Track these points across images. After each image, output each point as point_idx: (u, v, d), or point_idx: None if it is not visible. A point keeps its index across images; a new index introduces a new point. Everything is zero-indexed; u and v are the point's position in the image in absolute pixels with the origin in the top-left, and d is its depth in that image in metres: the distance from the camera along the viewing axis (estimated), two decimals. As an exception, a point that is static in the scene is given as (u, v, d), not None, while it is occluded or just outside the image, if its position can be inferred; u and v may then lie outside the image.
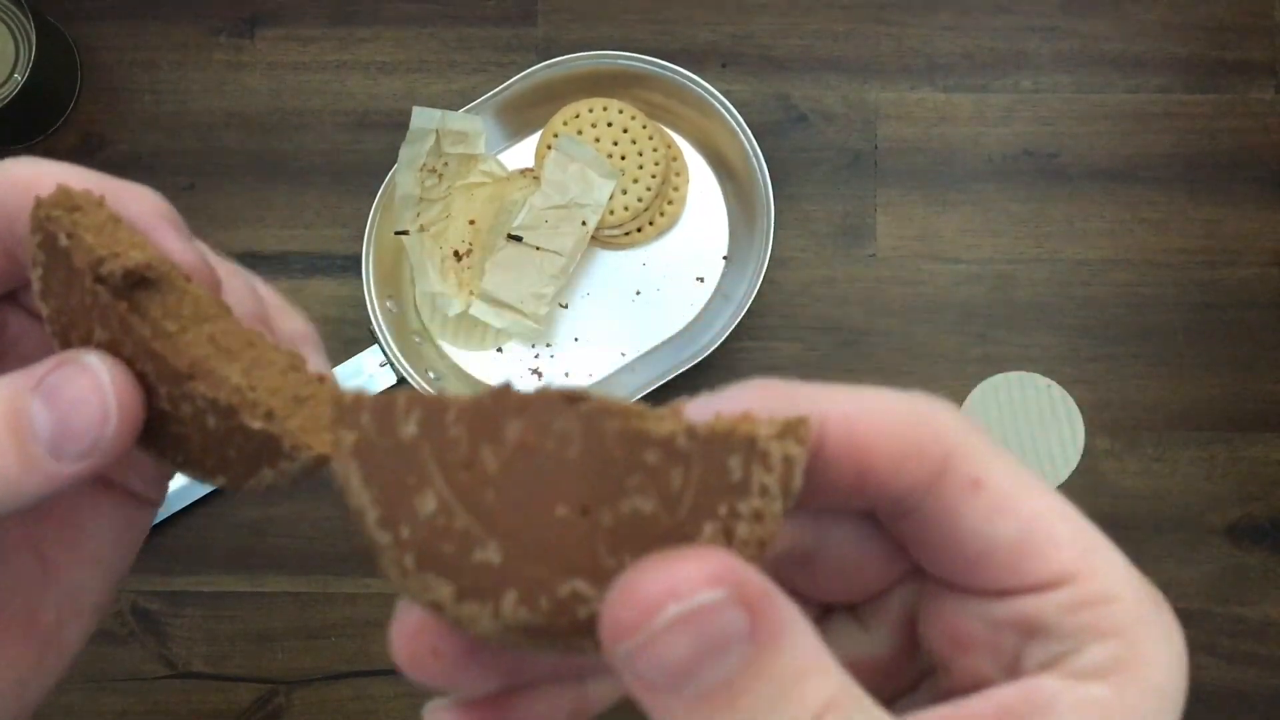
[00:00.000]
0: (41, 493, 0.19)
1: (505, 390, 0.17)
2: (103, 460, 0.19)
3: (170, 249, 0.21)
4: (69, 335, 0.20)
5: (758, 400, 0.18)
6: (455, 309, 0.59)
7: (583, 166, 0.58)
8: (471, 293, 0.60)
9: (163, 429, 0.20)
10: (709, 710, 0.15)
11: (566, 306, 0.60)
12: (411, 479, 0.17)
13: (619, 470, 0.16)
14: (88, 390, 0.19)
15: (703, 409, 0.18)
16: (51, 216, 0.19)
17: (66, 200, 0.20)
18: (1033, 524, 0.18)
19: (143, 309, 0.19)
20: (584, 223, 0.58)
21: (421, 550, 0.17)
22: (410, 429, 0.17)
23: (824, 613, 0.21)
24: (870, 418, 0.19)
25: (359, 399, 0.17)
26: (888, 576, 0.20)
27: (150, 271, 0.19)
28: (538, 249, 0.58)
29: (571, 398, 0.16)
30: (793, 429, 0.17)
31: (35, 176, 0.21)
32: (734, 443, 0.16)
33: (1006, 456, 0.19)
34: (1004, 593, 0.18)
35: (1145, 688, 0.17)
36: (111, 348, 0.19)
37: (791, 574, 0.20)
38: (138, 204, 0.21)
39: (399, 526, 0.17)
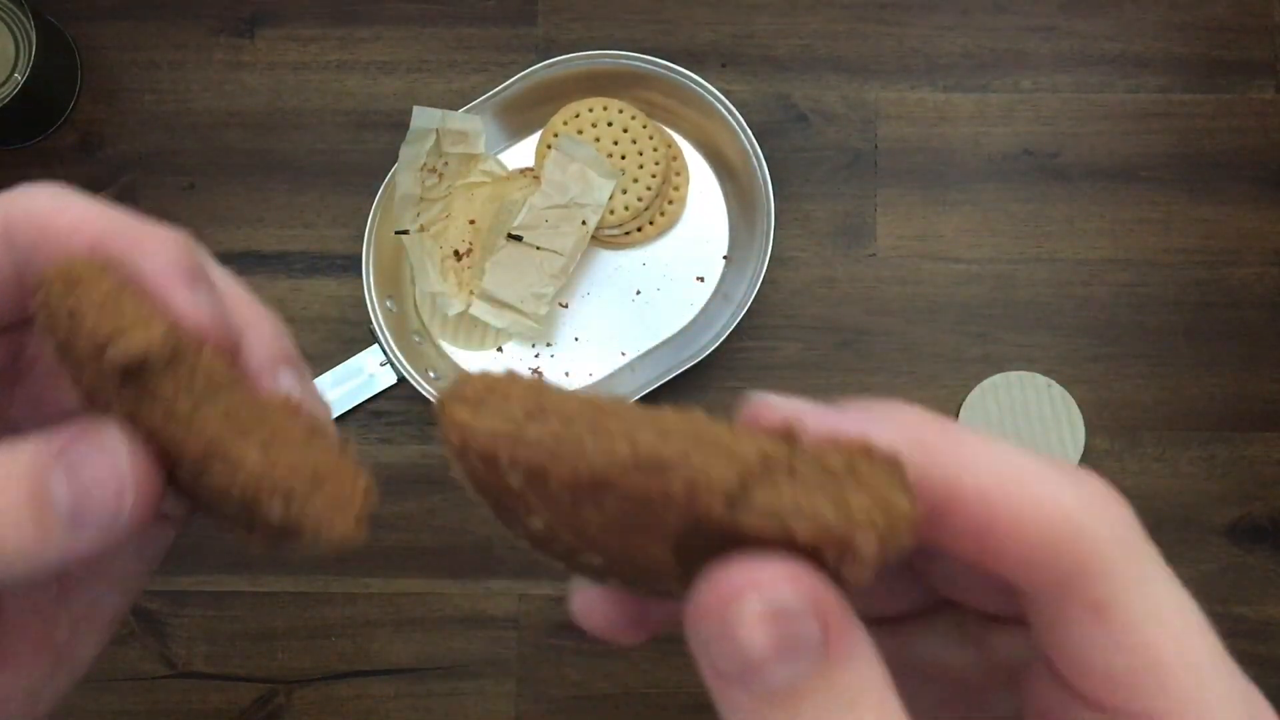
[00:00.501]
0: (56, 564, 0.19)
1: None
2: (119, 537, 0.19)
3: (183, 314, 0.20)
4: (91, 398, 0.20)
5: (886, 430, 0.17)
6: (455, 309, 0.59)
7: (583, 166, 0.58)
8: (471, 292, 0.60)
9: (190, 494, 0.20)
10: (772, 709, 0.16)
11: (566, 306, 0.60)
12: (521, 508, 0.18)
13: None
14: (106, 471, 0.19)
15: (821, 428, 0.17)
16: (52, 295, 0.19)
17: (67, 274, 0.19)
18: (1151, 664, 0.17)
19: (152, 389, 0.19)
20: (584, 222, 0.58)
21: (535, 541, 0.18)
22: (515, 480, 0.17)
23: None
24: (1011, 502, 0.17)
25: (464, 437, 0.17)
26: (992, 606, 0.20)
27: (154, 355, 0.19)
28: (538, 249, 0.58)
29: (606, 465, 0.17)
30: (894, 527, 0.16)
31: (55, 210, 0.20)
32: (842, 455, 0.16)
33: (1149, 571, 0.17)
34: (1103, 708, 0.18)
35: None
36: (131, 419, 0.19)
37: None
38: (153, 258, 0.21)
39: (514, 526, 0.18)
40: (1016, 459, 0.17)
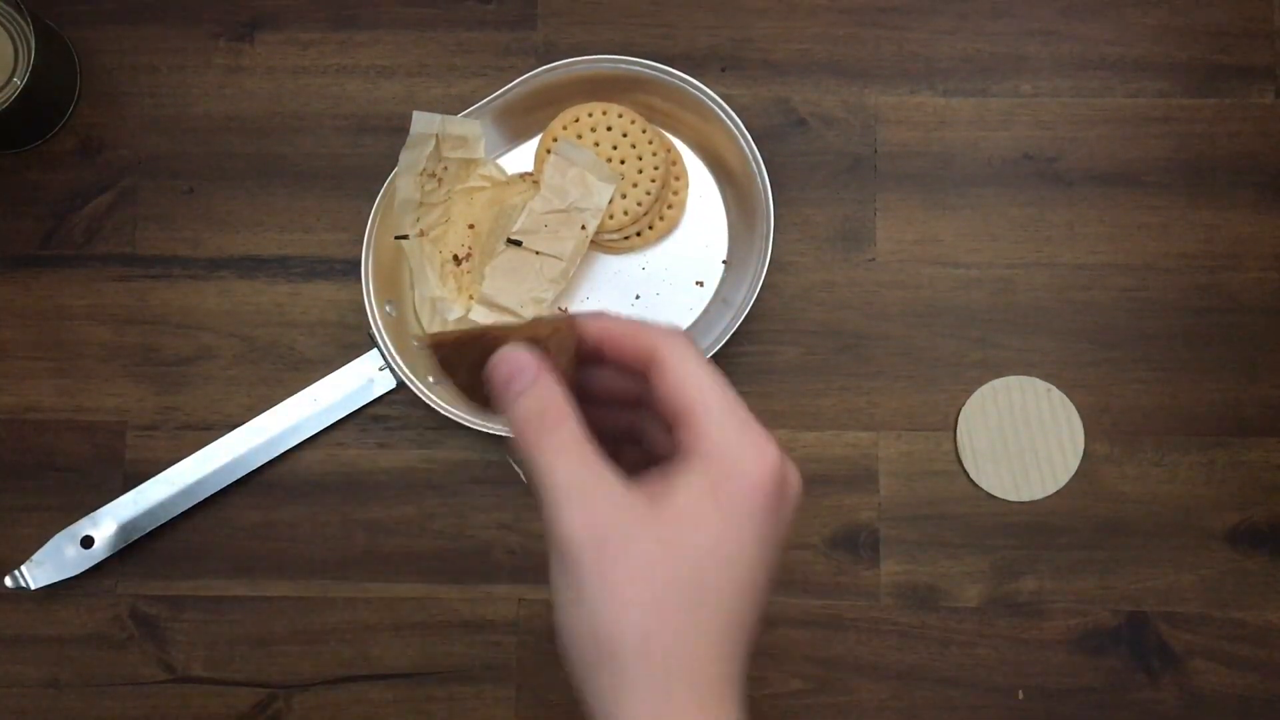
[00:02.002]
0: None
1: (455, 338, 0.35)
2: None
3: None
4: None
5: (593, 322, 0.34)
6: (455, 313, 0.59)
7: (582, 171, 0.58)
8: (471, 297, 0.60)
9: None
10: (509, 406, 0.32)
11: (566, 310, 0.60)
12: (452, 368, 0.35)
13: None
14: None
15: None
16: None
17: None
18: (684, 406, 0.32)
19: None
20: (583, 227, 0.58)
21: (458, 384, 0.36)
22: (446, 354, 0.35)
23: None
24: (613, 330, 0.34)
25: (433, 341, 0.35)
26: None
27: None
28: (537, 253, 0.58)
29: (476, 335, 0.34)
30: (570, 325, 0.34)
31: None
32: (550, 326, 0.34)
33: (689, 359, 0.33)
34: (672, 439, 0.33)
35: (730, 485, 0.31)
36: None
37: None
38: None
39: (453, 377, 0.35)
40: (621, 317, 0.34)
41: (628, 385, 0.35)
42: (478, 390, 0.34)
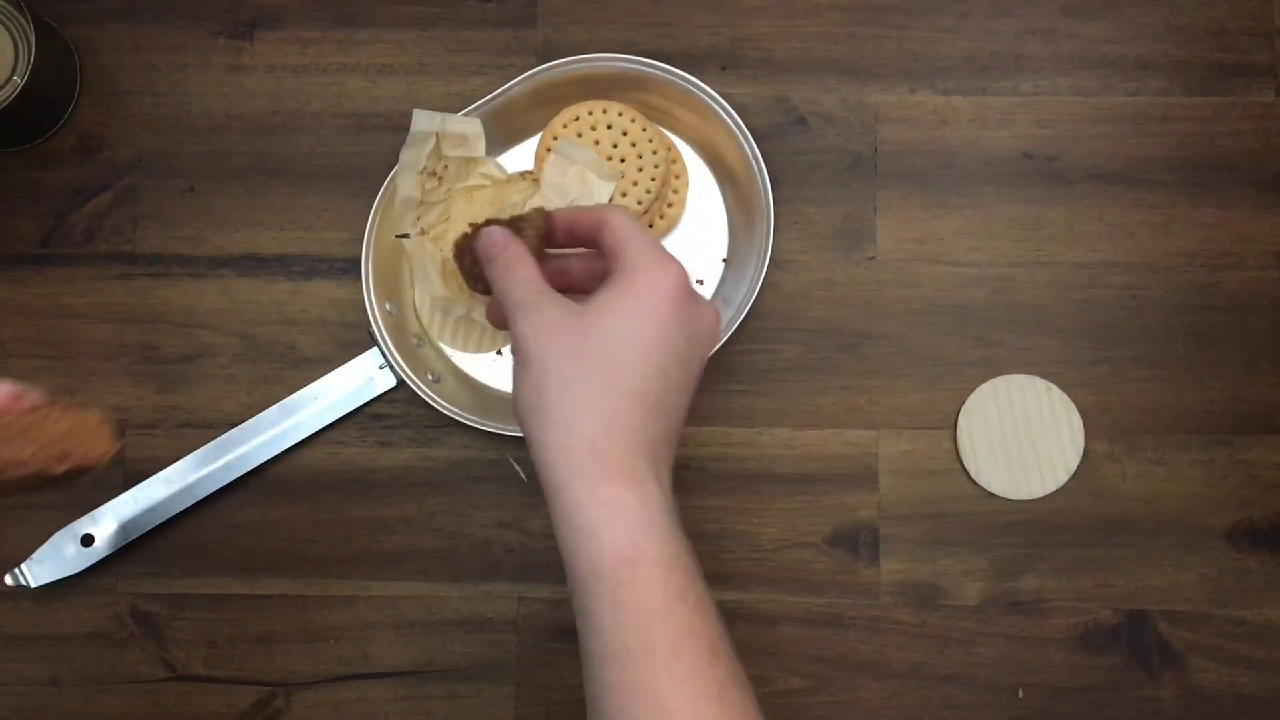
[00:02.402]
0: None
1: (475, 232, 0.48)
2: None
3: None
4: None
5: (560, 212, 0.48)
6: (457, 312, 0.59)
7: (583, 169, 0.58)
8: (473, 296, 0.60)
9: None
10: (492, 267, 0.45)
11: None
12: (469, 268, 0.50)
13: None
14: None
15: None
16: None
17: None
18: (623, 245, 0.43)
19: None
20: None
21: (472, 282, 0.50)
22: (459, 250, 0.50)
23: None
24: (573, 212, 0.47)
25: (457, 244, 0.50)
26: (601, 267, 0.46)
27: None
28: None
29: (477, 229, 0.47)
30: (543, 215, 0.47)
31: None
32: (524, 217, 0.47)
33: (627, 222, 0.44)
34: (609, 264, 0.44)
35: (634, 292, 0.42)
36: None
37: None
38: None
39: (473, 284, 0.49)
40: (588, 208, 0.47)
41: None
42: (482, 277, 0.47)
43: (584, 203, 0.58)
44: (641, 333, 0.41)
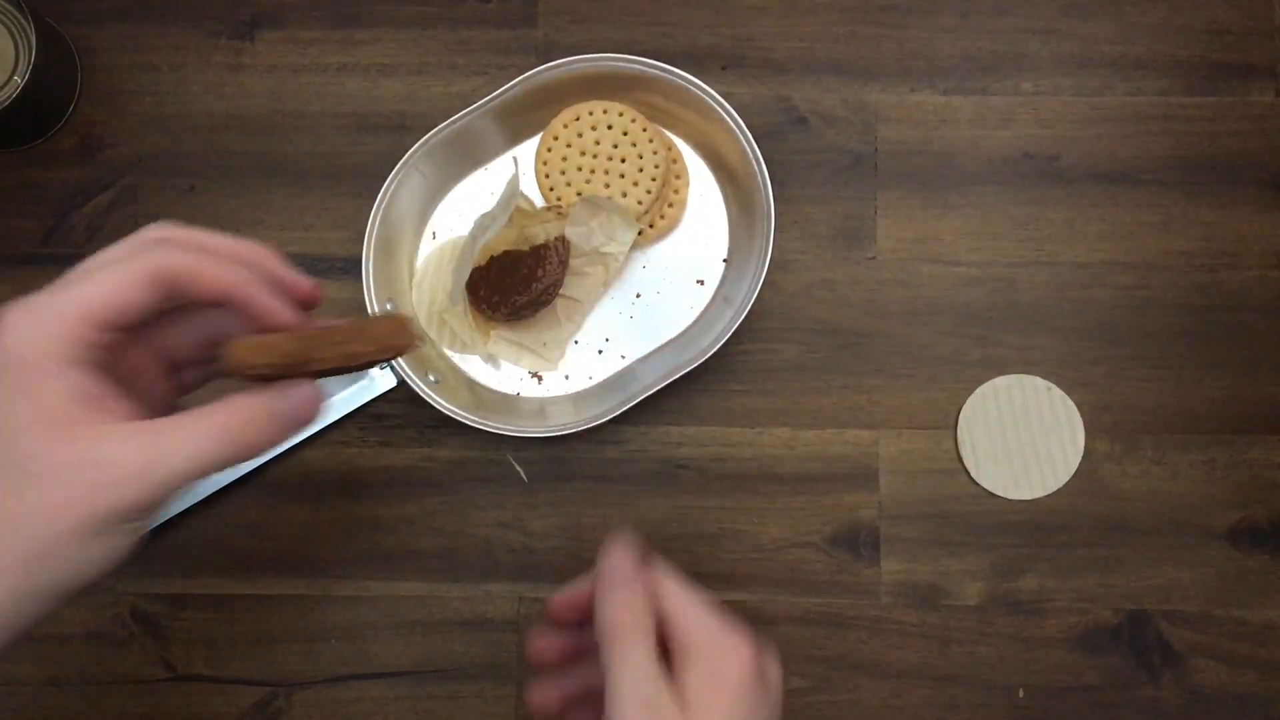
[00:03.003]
0: (278, 444, 0.40)
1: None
2: (307, 424, 0.40)
3: (277, 322, 0.39)
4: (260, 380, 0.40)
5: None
6: (478, 349, 0.60)
7: (610, 214, 0.58)
8: (491, 330, 0.60)
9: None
10: (605, 590, 0.41)
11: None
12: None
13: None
14: (310, 395, 0.39)
15: None
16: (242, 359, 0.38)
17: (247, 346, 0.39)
18: (685, 621, 0.41)
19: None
20: (604, 268, 0.59)
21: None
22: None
23: None
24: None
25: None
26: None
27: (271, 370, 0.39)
28: (560, 296, 0.59)
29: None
30: (565, 242, 0.55)
31: (167, 237, 0.39)
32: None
33: (676, 586, 0.42)
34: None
35: (719, 681, 0.39)
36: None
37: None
38: (234, 273, 0.39)
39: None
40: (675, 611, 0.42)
41: None
42: (499, 306, 0.49)
43: (606, 249, 0.58)
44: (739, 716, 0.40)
